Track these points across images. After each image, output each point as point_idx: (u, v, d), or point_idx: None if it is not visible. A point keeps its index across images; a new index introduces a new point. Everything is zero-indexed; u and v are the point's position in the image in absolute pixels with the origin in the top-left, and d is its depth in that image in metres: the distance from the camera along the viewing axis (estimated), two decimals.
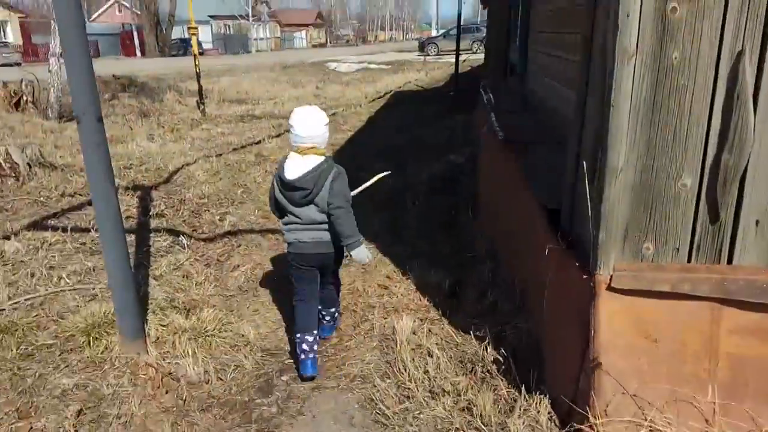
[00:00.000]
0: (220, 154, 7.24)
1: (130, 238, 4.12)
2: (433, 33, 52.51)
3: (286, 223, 2.72)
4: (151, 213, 4.92)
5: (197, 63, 12.21)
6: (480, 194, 4.89)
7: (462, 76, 15.40)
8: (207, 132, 9.67)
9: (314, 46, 68.70)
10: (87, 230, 4.42)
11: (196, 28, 12.17)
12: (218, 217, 4.86)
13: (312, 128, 2.62)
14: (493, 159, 4.40)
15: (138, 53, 43.62)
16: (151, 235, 4.37)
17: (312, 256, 2.71)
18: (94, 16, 53.47)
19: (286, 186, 2.61)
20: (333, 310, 3.04)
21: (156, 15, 41.00)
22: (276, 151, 7.26)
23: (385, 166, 4.36)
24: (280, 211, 2.75)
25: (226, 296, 3.54)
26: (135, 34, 43.94)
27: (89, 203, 5.05)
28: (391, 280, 3.60)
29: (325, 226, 2.66)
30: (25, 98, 11.05)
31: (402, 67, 25.87)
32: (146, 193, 5.59)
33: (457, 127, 8.36)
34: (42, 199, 4.97)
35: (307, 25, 72.94)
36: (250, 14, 53.95)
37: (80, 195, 5.12)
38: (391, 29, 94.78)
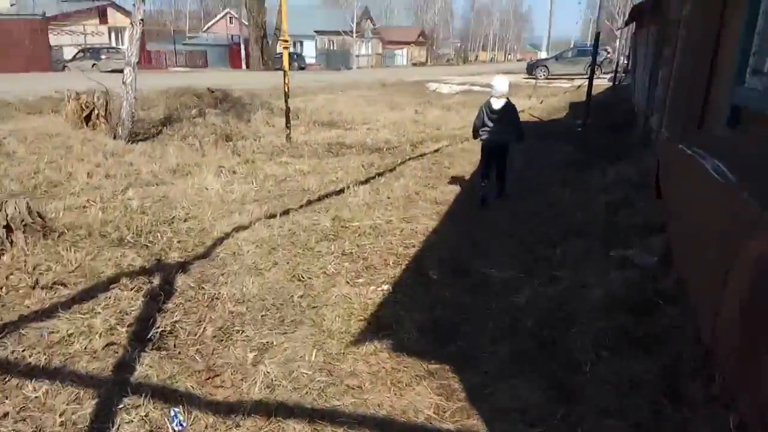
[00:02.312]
0: (288, 211, 5.38)
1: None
2: (542, 54, 49.32)
3: (484, 130, 5.92)
4: (150, 334, 3.07)
5: (287, 81, 10.68)
6: (722, 342, 2.63)
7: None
8: (285, 167, 7.96)
9: (414, 64, 67.57)
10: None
11: (288, 41, 10.63)
12: (251, 356, 2.91)
13: (503, 87, 5.90)
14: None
15: (243, 65, 44.25)
16: (126, 399, 2.49)
17: (495, 142, 5.88)
18: (206, 27, 55.51)
19: (493, 111, 5.81)
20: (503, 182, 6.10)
21: (263, 28, 41.25)
22: (361, 215, 5.28)
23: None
24: (479, 128, 5.96)
25: None
26: (242, 46, 44.65)
27: (73, 301, 3.31)
28: None
29: (506, 129, 5.84)
30: (96, 112, 9.98)
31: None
32: (166, 279, 3.81)
33: (615, 187, 6.00)
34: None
35: (408, 43, 72.11)
36: (354, 30, 53.64)
37: (61, 286, 3.41)
38: (494, 50, 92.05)
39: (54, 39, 30.45)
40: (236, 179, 7.20)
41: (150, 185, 6.97)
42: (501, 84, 5.90)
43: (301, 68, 44.69)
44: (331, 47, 57.79)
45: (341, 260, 4.14)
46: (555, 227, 4.98)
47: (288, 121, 10.82)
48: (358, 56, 55.32)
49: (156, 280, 3.79)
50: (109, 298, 3.35)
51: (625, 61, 27.50)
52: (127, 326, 3.08)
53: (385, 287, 3.70)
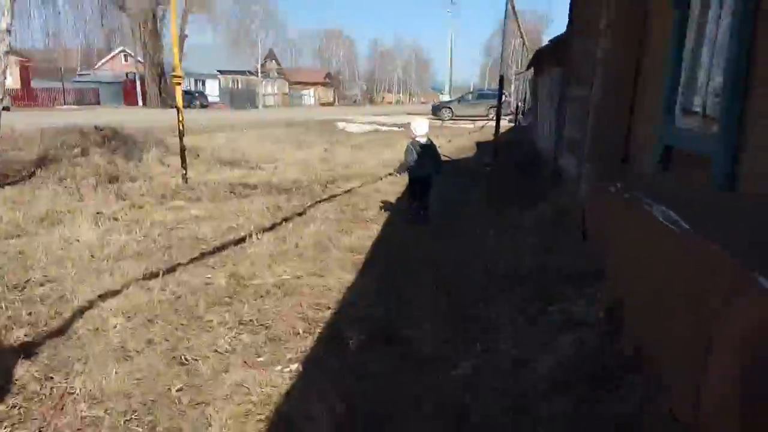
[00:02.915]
0: (174, 268, 4.48)
1: None
2: (445, 97, 51.11)
3: (414, 165, 6.54)
4: None
5: (181, 119, 9.75)
6: None
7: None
8: (177, 213, 7.01)
9: (322, 104, 67.74)
10: None
11: (181, 76, 9.77)
12: None
13: (425, 129, 6.69)
14: None
15: (140, 102, 41.92)
16: None
17: (423, 175, 6.62)
18: (99, 64, 52.37)
19: (421, 147, 6.53)
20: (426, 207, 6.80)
21: (160, 65, 39.54)
22: (264, 270, 4.50)
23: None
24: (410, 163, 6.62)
25: None
26: (138, 83, 42.39)
27: None
28: None
29: (429, 163, 6.56)
30: None
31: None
32: (2, 368, 2.83)
33: (536, 229, 5.67)
34: None
35: (315, 84, 72.42)
36: (259, 70, 52.87)
37: None
38: (399, 92, 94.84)
39: None
40: (117, 228, 6.17)
41: (8, 238, 5.78)
42: (422, 126, 6.77)
43: (204, 106, 43.15)
44: (236, 86, 56.59)
45: (237, 332, 3.35)
46: (483, 276, 4.49)
47: (183, 160, 9.83)
48: (264, 95, 54.49)
49: None
50: None
51: (520, 104, 28.90)
52: None
53: (293, 366, 2.96)
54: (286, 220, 6.51)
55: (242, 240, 5.52)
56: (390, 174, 11.38)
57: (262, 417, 2.48)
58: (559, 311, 3.55)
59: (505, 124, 25.05)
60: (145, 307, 3.65)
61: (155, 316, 3.51)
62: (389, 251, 5.37)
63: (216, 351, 3.10)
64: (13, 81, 36.86)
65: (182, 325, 3.41)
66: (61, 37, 45.02)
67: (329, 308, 3.78)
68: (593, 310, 3.41)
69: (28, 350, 3.14)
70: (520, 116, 26.07)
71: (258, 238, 5.56)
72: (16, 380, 2.83)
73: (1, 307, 3.63)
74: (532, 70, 18.70)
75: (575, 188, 5.98)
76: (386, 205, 7.71)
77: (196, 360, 3.00)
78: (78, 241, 5.59)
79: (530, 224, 6.07)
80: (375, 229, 6.21)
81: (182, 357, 3.02)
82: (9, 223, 6.42)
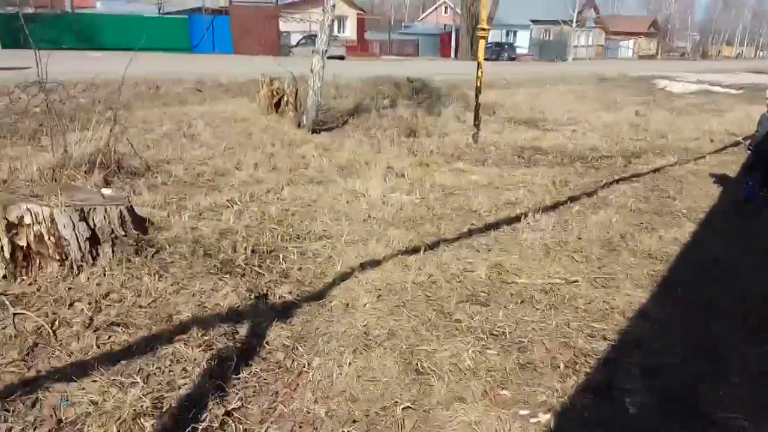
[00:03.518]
0: (438, 244, 4.17)
1: None
2: None
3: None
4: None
5: (479, 74, 9.41)
6: None
7: None
8: (458, 176, 6.75)
9: (641, 57, 60.38)
10: None
11: (486, 29, 9.33)
12: None
13: None
14: None
15: (452, 55, 43.77)
16: None
17: None
18: (421, 17, 56.30)
19: None
20: None
21: (475, 17, 40.19)
22: (533, 266, 3.82)
23: None
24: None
25: None
26: (453, 35, 44.13)
27: (123, 353, 2.58)
28: None
29: None
30: (285, 99, 9.86)
31: (761, 94, 18.89)
32: (255, 329, 2.92)
33: None
34: (65, 322, 2.70)
35: (637, 34, 64.64)
36: (575, 20, 49.48)
37: (120, 328, 2.69)
38: (741, 45, 78.11)
39: (283, 26, 33.18)
40: (400, 185, 6.22)
41: (310, 183, 6.35)
42: None
43: (511, 59, 42.73)
44: (547, 37, 54.38)
45: (485, 345, 2.82)
46: None
47: (476, 118, 9.57)
48: (575, 47, 51.12)
49: (243, 330, 2.92)
50: (166, 356, 2.55)
51: None
52: (160, 413, 2.22)
53: (544, 418, 2.31)
54: (572, 199, 5.63)
55: (516, 219, 4.91)
56: (718, 150, 9.16)
57: None
58: None
59: None
60: (398, 288, 3.41)
61: (405, 302, 3.23)
62: (704, 265, 4.09)
63: (456, 366, 2.64)
64: (350, 32, 42.50)
65: (428, 320, 3.05)
66: None
67: (606, 339, 2.93)
68: None
69: (286, 311, 3.20)
70: None
71: (535, 220, 4.88)
72: (267, 343, 2.87)
73: (279, 260, 3.82)
74: None
75: None
76: (707, 195, 6.08)
77: (432, 372, 2.59)
78: (363, 195, 5.78)
79: None
80: (687, 229, 4.85)
81: (419, 364, 2.65)
82: (315, 168, 7.10)
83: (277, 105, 9.89)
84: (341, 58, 30.22)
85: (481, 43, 9.42)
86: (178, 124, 8.63)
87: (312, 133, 9.30)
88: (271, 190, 5.85)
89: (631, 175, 6.92)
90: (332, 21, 9.41)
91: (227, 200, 5.07)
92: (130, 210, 3.34)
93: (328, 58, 9.78)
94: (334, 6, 9.25)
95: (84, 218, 3.01)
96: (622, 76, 24.22)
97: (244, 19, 30.06)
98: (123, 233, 3.20)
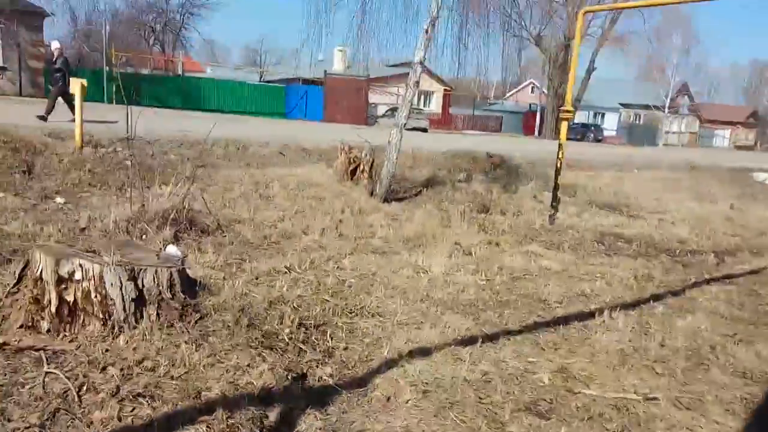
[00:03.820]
0: (497, 336, 3.80)
1: None
2: None
3: None
4: None
5: (561, 156, 9.11)
6: None
7: None
8: (529, 259, 6.36)
9: (738, 147, 57.31)
10: None
11: (570, 111, 9.12)
12: None
13: None
14: None
15: (536, 133, 43.62)
16: None
17: None
18: (508, 94, 56.98)
19: None
20: None
21: (561, 98, 40.15)
22: (605, 374, 3.37)
23: None
24: None
25: None
26: (538, 114, 44.15)
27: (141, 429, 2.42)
28: None
29: None
30: (362, 167, 9.98)
31: None
32: (286, 417, 2.69)
33: None
34: (103, 393, 2.60)
35: (734, 123, 61.76)
36: (667, 105, 48.15)
37: (146, 400, 2.55)
38: None
39: (372, 97, 34.63)
40: (466, 264, 5.93)
41: (373, 253, 6.21)
42: None
43: (597, 140, 41.94)
44: (637, 121, 53.15)
45: None
46: None
47: (555, 199, 9.19)
48: (667, 133, 49.46)
49: (273, 415, 2.70)
50: None
51: None
52: None
53: None
54: (655, 298, 5.08)
55: (590, 315, 4.46)
56: None
57: None
58: None
59: None
60: (447, 384, 3.08)
61: (453, 403, 2.89)
62: None
63: None
64: (435, 106, 43.56)
65: (477, 429, 2.69)
66: (482, 69, 50.71)
67: None
68: None
69: (323, 397, 2.95)
70: None
71: (611, 318, 4.40)
72: None
73: (325, 337, 3.62)
74: None
75: None
76: None
77: None
78: (426, 272, 5.54)
79: None
80: None
81: None
82: (381, 239, 6.97)
83: (353, 172, 10.01)
84: (424, 130, 30.86)
85: (564, 123, 9.19)
86: (255, 185, 8.88)
87: (384, 202, 9.28)
88: (333, 257, 5.74)
89: (724, 275, 6.23)
90: (413, 96, 9.56)
91: (285, 266, 5.00)
92: (181, 272, 3.29)
93: (412, 129, 9.90)
94: (417, 83, 9.42)
95: (133, 278, 2.98)
96: (716, 166, 22.88)
97: (336, 90, 31.71)
98: (170, 296, 3.14)
